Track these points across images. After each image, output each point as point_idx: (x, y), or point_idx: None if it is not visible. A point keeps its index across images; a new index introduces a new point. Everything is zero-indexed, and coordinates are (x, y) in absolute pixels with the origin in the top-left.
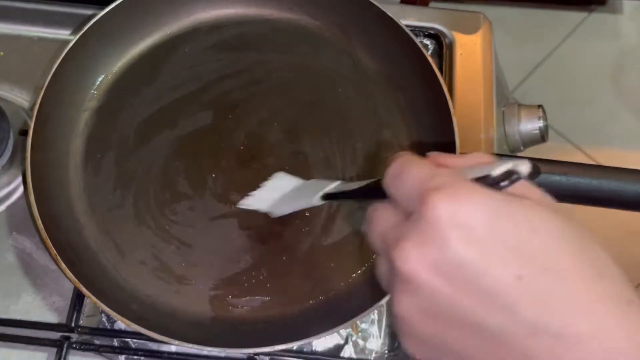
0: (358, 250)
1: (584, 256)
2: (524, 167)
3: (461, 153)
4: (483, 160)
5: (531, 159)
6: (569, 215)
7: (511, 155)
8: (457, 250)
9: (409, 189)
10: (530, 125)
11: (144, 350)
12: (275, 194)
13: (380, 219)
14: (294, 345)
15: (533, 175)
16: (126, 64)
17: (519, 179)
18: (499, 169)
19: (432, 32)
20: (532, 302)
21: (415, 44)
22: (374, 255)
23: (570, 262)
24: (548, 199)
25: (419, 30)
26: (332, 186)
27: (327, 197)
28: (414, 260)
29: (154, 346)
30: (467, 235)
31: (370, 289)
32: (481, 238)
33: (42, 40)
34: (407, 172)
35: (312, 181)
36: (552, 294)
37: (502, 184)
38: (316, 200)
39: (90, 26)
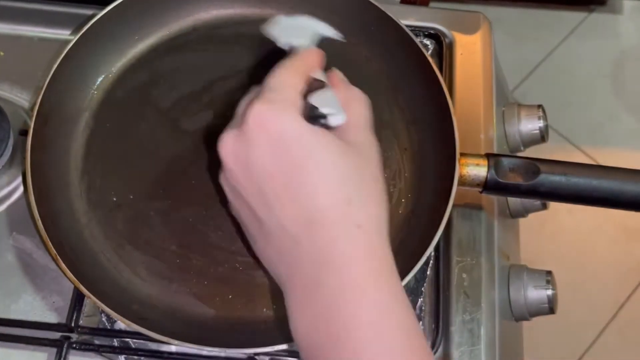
0: None
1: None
2: (335, 120)
3: (461, 153)
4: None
5: (531, 159)
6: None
7: (511, 155)
8: (253, 149)
9: (264, 84)
10: (530, 125)
11: (144, 351)
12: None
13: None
14: (294, 345)
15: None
16: (126, 64)
17: (326, 125)
18: (320, 108)
19: (432, 32)
20: (289, 197)
21: (415, 44)
22: None
23: (322, 176)
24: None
25: (419, 30)
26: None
27: None
28: (227, 147)
29: (154, 346)
30: (264, 141)
31: None
32: (271, 147)
33: (42, 40)
34: (273, 72)
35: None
36: (304, 186)
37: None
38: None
39: (90, 26)
